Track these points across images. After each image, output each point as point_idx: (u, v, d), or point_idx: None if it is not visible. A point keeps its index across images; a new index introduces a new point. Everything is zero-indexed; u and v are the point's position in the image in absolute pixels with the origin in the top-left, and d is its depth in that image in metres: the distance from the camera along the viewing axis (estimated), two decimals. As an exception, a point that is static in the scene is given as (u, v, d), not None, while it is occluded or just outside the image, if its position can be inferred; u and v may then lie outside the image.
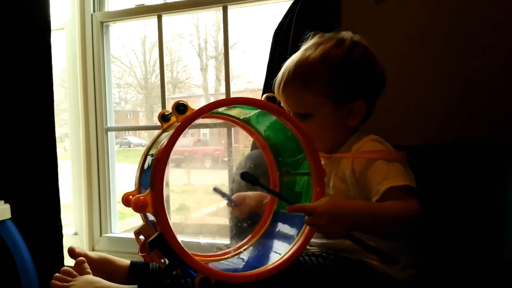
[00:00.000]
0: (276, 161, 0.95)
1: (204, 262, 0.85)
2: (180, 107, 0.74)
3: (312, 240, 0.90)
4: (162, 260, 0.75)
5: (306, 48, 0.95)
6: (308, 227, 0.80)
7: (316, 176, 0.83)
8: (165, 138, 0.77)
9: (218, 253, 0.91)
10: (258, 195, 1.00)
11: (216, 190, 0.95)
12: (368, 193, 0.85)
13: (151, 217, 0.76)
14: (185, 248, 0.70)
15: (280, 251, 0.82)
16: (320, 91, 0.91)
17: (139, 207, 0.68)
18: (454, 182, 1.02)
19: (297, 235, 0.82)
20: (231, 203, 0.98)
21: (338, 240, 0.86)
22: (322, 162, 0.97)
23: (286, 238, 0.86)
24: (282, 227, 0.91)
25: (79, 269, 0.94)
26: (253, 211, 0.99)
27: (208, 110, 0.75)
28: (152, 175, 0.70)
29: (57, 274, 0.94)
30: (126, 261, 1.02)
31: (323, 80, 0.90)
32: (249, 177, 0.83)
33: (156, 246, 0.70)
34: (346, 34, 0.95)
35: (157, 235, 0.70)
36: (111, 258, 1.03)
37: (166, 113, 0.86)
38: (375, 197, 0.82)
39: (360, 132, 0.97)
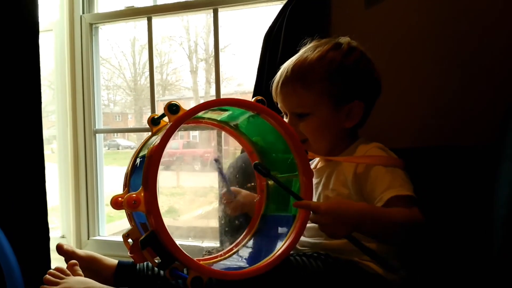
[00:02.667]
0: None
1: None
2: (173, 107, 0.74)
3: (304, 239, 0.91)
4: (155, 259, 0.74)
5: (305, 50, 0.97)
6: (298, 224, 0.81)
7: (303, 176, 0.84)
8: (156, 139, 0.77)
9: (208, 256, 0.91)
10: (249, 195, 1.00)
11: (216, 161, 0.95)
12: (370, 199, 0.85)
13: (139, 219, 0.75)
14: (178, 245, 0.70)
15: (263, 257, 0.81)
16: (318, 91, 0.91)
17: (131, 205, 0.67)
18: (444, 184, 1.03)
19: (280, 242, 0.82)
20: (226, 185, 0.97)
21: (329, 240, 0.88)
22: (321, 165, 0.99)
23: (270, 245, 0.86)
24: (267, 234, 0.92)
25: (71, 270, 0.95)
26: (243, 211, 0.99)
27: (200, 110, 0.76)
28: (145, 173, 0.70)
29: (51, 270, 0.95)
30: (114, 261, 1.02)
31: (321, 80, 0.91)
32: (261, 168, 0.83)
33: (148, 245, 0.69)
34: (344, 39, 0.97)
35: (149, 233, 0.69)
36: (99, 256, 1.03)
37: (156, 116, 0.86)
38: (378, 204, 0.82)
39: (363, 139, 0.98)
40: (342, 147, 0.97)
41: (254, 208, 0.98)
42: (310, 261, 0.85)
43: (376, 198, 0.83)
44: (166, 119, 0.81)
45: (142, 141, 0.87)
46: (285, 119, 0.96)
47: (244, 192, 1.00)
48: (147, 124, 0.87)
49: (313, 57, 0.92)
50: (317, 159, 1.03)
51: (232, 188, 0.99)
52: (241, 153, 1.31)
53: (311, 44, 0.98)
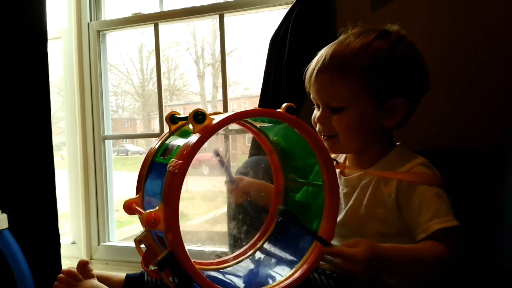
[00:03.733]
0: (283, 167, 0.91)
1: (203, 270, 0.84)
2: (199, 116, 0.68)
3: None
4: (170, 278, 0.70)
5: (346, 36, 0.85)
6: (312, 258, 0.76)
7: (329, 191, 0.79)
8: (175, 145, 0.74)
9: (216, 261, 0.89)
10: (257, 184, 0.95)
11: (217, 154, 0.89)
12: (411, 225, 0.79)
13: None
14: (197, 268, 0.67)
15: (280, 272, 0.80)
16: (358, 82, 0.80)
17: (150, 224, 0.63)
18: (452, 187, 1.02)
19: (298, 254, 0.79)
20: (227, 173, 0.92)
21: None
22: (354, 173, 0.89)
23: (285, 260, 0.83)
24: (284, 241, 0.88)
25: (83, 271, 0.93)
26: (249, 200, 0.93)
27: (230, 121, 0.70)
28: (167, 190, 0.65)
29: (61, 275, 0.91)
30: (121, 275, 0.98)
31: (363, 71, 0.80)
32: (287, 215, 0.78)
33: (167, 266, 0.66)
34: (393, 27, 0.86)
35: (167, 254, 0.65)
36: (106, 275, 0.99)
37: (176, 115, 0.82)
38: (421, 235, 0.76)
39: (403, 148, 0.89)
40: (377, 152, 0.88)
41: (262, 202, 0.93)
42: (322, 278, 0.82)
43: (420, 227, 0.77)
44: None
45: (159, 140, 0.82)
46: (316, 112, 0.89)
47: (247, 179, 0.95)
48: (155, 130, 0.85)
49: (355, 44, 0.81)
50: (344, 156, 0.95)
51: (236, 176, 0.95)
52: (250, 156, 1.32)
53: (354, 30, 0.87)
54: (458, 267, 0.75)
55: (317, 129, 0.89)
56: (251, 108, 0.86)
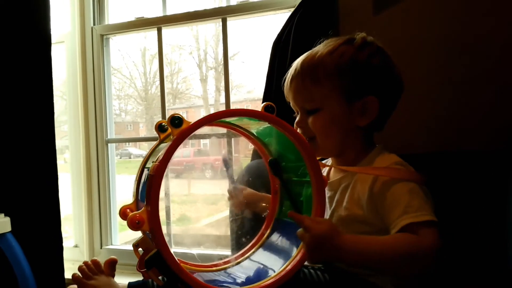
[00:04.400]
0: None
1: (200, 272, 0.85)
2: (175, 121, 0.71)
3: None
4: (160, 277, 0.73)
5: (317, 47, 0.92)
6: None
7: (316, 187, 0.81)
8: (161, 151, 0.76)
9: (217, 262, 0.90)
10: (253, 193, 0.99)
11: (225, 160, 0.93)
12: (386, 223, 0.80)
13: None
14: (182, 266, 0.69)
15: (275, 268, 0.81)
16: (327, 85, 0.86)
17: (135, 225, 0.66)
18: (453, 191, 1.02)
19: (294, 249, 0.81)
20: (231, 182, 0.96)
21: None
22: (335, 177, 0.92)
23: (282, 252, 0.85)
24: (281, 239, 0.90)
25: (109, 267, 0.98)
26: (249, 210, 0.98)
27: (205, 123, 0.73)
28: (147, 192, 0.68)
29: (87, 261, 0.97)
30: (123, 284, 0.99)
31: (330, 73, 0.86)
32: (275, 166, 0.82)
33: (154, 265, 0.69)
34: (359, 35, 0.91)
35: (154, 253, 0.68)
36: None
37: (163, 123, 0.85)
38: (393, 230, 0.77)
39: (381, 148, 0.91)
40: (356, 155, 0.91)
41: (260, 208, 0.96)
42: (318, 273, 0.83)
43: (391, 223, 0.78)
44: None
45: (150, 148, 0.86)
46: (297, 118, 0.93)
47: (248, 190, 0.98)
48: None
49: (323, 51, 0.88)
50: (327, 168, 0.99)
51: (240, 186, 0.98)
52: (252, 160, 1.32)
53: (324, 42, 0.94)
54: (438, 266, 0.74)
55: None
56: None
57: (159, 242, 0.67)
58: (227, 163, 0.96)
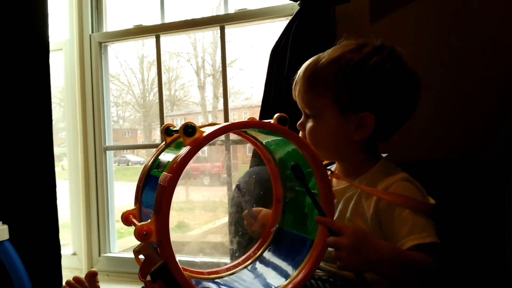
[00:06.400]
0: (281, 176, 0.92)
1: (198, 280, 0.84)
2: (189, 129, 0.68)
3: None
4: None
5: (328, 50, 0.89)
6: (315, 253, 0.76)
7: (324, 201, 0.79)
8: (169, 158, 0.74)
9: (212, 270, 0.89)
10: (269, 213, 0.95)
11: (238, 187, 0.90)
12: (390, 240, 0.79)
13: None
14: (190, 281, 0.67)
15: (273, 284, 0.80)
16: (324, 95, 0.85)
17: (143, 236, 0.64)
18: (453, 198, 1.02)
19: (294, 265, 0.80)
20: (247, 206, 0.94)
21: (342, 272, 0.83)
22: (339, 186, 0.90)
23: (280, 270, 0.83)
24: (280, 251, 0.88)
25: (91, 281, 0.96)
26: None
27: (220, 134, 0.71)
28: (158, 203, 0.66)
29: (69, 280, 0.95)
30: None
31: (328, 85, 0.84)
32: (298, 172, 0.76)
33: (160, 277, 0.66)
34: (375, 41, 0.87)
35: (160, 265, 0.66)
36: None
37: (171, 127, 0.83)
38: None
39: (387, 162, 0.89)
40: (360, 164, 0.89)
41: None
42: (326, 285, 0.82)
43: (397, 242, 0.77)
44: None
45: (155, 152, 0.83)
46: (301, 119, 0.92)
47: (265, 210, 0.95)
48: (157, 140, 0.86)
49: (327, 59, 0.85)
50: (335, 166, 0.97)
51: (254, 209, 0.96)
52: (250, 167, 1.32)
53: (340, 44, 0.90)
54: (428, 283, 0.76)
55: (300, 134, 0.92)
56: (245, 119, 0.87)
57: (167, 255, 0.65)
58: (240, 190, 0.95)
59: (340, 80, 0.83)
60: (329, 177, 0.84)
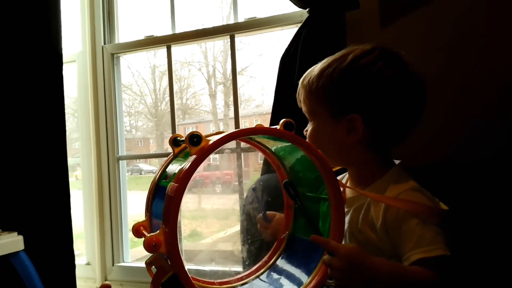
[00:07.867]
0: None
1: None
2: (194, 138, 0.69)
3: None
4: None
5: (325, 59, 0.91)
6: (322, 268, 0.76)
7: (334, 206, 0.79)
8: (176, 168, 0.74)
9: (223, 280, 0.88)
10: (282, 218, 0.95)
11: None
12: (398, 252, 0.78)
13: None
14: None
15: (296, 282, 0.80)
16: (318, 101, 0.88)
17: (152, 248, 0.64)
18: (459, 201, 1.00)
19: (308, 273, 0.80)
20: (262, 210, 0.95)
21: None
22: (350, 194, 0.89)
23: (293, 278, 0.83)
24: (293, 258, 0.88)
25: None
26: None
27: (226, 141, 0.71)
28: (165, 214, 0.66)
29: None
30: None
31: (320, 91, 0.86)
32: (291, 189, 0.79)
33: None
34: (359, 48, 0.87)
35: (171, 276, 0.66)
36: None
37: (179, 137, 0.83)
38: (406, 262, 0.76)
39: (399, 170, 0.88)
40: (369, 171, 0.88)
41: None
42: None
43: (404, 255, 0.77)
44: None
45: (164, 163, 0.84)
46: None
47: (279, 214, 0.96)
48: (168, 149, 0.86)
49: (319, 67, 0.89)
50: (346, 176, 0.97)
51: (269, 212, 0.96)
52: (262, 174, 1.32)
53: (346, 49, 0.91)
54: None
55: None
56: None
57: (176, 265, 0.65)
58: (254, 194, 0.96)
59: (329, 86, 0.85)
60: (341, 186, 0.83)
